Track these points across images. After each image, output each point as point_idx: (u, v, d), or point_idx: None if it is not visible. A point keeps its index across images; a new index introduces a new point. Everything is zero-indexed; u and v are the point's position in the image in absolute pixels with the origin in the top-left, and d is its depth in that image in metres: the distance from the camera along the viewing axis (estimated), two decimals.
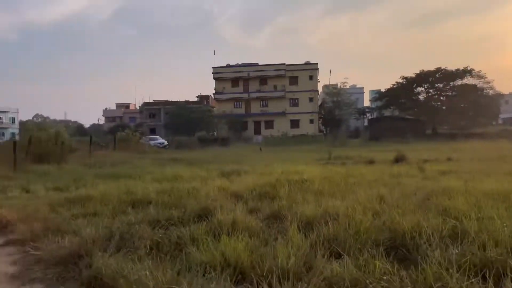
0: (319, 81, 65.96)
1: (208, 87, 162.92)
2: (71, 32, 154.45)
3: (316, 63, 64.79)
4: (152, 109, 76.21)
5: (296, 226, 4.46)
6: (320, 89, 68.58)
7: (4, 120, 78.75)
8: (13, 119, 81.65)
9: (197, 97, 78.65)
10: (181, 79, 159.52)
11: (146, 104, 77.56)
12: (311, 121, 63.67)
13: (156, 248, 4.14)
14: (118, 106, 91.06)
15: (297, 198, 6.57)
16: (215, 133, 63.43)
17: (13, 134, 75.12)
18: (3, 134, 73.34)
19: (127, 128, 29.60)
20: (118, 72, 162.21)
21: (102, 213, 6.01)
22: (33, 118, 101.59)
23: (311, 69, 64.35)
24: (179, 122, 65.15)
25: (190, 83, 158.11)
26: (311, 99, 64.02)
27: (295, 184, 8.17)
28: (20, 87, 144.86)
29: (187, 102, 73.26)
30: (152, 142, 36.05)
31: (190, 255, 3.81)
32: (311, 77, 64.13)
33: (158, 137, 44.52)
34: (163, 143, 39.42)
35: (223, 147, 39.45)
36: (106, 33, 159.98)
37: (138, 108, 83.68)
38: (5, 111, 78.66)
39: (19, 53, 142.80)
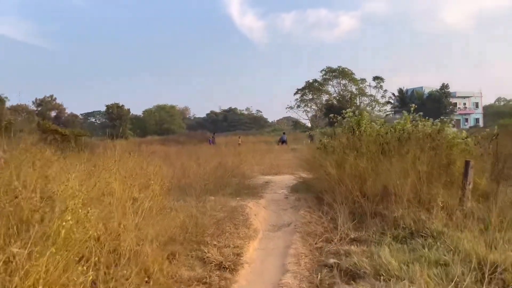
0: None
1: None
2: None
3: None
4: None
5: None
6: None
7: (467, 105, 73.83)
8: (477, 104, 75.15)
9: None
10: None
11: None
12: None
13: None
14: None
15: None
16: None
17: (476, 120, 69.62)
18: (466, 120, 69.12)
19: None
20: None
21: None
22: (495, 102, 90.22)
23: None
24: None
25: None
26: None
27: None
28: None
29: None
30: None
31: None
32: None
33: None
34: None
35: None
36: None
37: None
38: (468, 96, 73.36)
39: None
